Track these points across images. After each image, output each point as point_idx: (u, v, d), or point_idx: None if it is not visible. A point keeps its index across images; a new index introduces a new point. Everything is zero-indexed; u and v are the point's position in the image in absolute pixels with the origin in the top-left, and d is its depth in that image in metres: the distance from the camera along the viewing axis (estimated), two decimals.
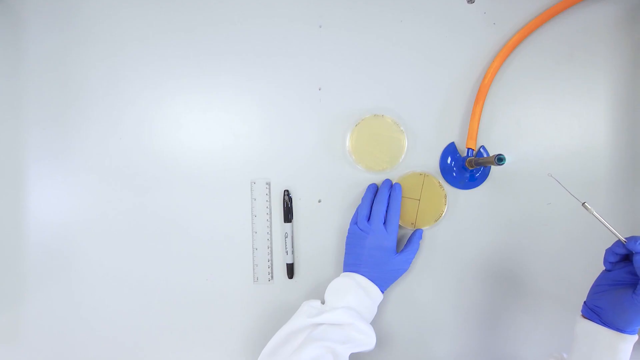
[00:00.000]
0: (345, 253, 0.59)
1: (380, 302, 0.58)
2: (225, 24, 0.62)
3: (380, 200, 0.58)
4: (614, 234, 0.48)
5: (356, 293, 0.55)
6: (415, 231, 0.60)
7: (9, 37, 0.62)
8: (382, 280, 0.57)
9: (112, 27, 0.62)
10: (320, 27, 0.62)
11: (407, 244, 0.59)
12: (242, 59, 0.62)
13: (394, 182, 0.60)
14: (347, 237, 0.59)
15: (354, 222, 0.59)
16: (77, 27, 0.62)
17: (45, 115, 0.62)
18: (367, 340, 0.53)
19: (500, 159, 0.51)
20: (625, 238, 0.48)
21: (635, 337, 0.47)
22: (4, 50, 0.62)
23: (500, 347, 0.64)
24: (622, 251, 0.48)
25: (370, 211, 0.58)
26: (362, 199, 0.60)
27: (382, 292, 0.57)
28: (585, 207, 0.49)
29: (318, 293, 0.62)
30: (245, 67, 0.62)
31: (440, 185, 0.61)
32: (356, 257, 0.57)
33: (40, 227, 0.62)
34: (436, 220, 0.62)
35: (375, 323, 0.61)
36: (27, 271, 0.62)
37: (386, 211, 0.58)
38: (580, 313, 0.52)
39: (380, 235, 0.56)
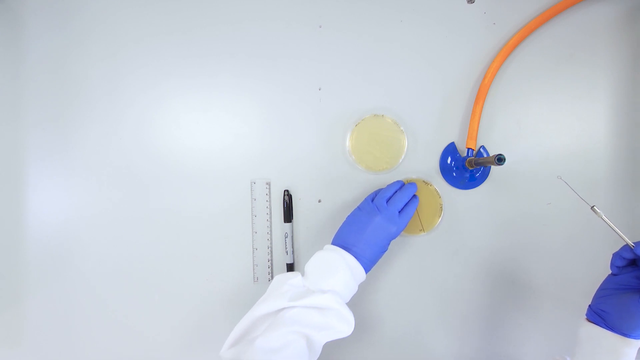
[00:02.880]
0: (344, 224, 0.56)
1: (380, 303, 0.57)
2: (226, 24, 0.62)
3: (406, 193, 0.56)
4: (622, 238, 0.48)
5: (344, 275, 0.51)
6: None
7: (9, 37, 0.62)
8: (371, 261, 0.54)
9: (112, 27, 0.62)
10: (320, 27, 0.62)
11: None
12: (242, 59, 0.62)
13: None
14: (354, 211, 0.56)
15: (370, 199, 0.57)
16: (77, 27, 0.62)
17: (45, 115, 0.62)
18: (346, 328, 0.50)
19: (500, 159, 0.51)
20: (634, 243, 0.48)
21: (639, 342, 0.47)
22: (4, 50, 0.62)
23: (501, 349, 0.64)
24: (630, 256, 0.48)
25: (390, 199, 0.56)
26: (387, 185, 0.58)
27: (366, 273, 0.54)
28: (594, 211, 0.49)
29: None
30: (245, 67, 0.62)
31: (438, 194, 0.62)
32: (356, 232, 0.54)
33: (40, 227, 0.62)
34: (430, 229, 0.62)
35: (374, 324, 0.61)
36: (28, 271, 0.62)
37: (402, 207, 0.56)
38: (585, 317, 0.51)
39: (392, 219, 0.54)
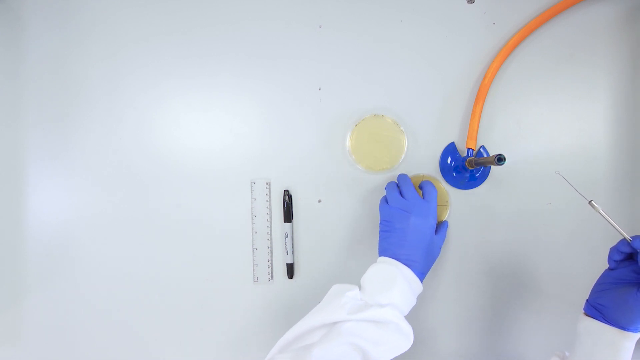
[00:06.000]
0: (381, 239, 0.54)
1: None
2: (226, 24, 0.62)
3: (406, 182, 0.56)
4: (620, 232, 0.48)
5: (402, 287, 0.50)
6: (444, 222, 0.60)
7: (9, 37, 0.62)
8: (423, 264, 0.52)
9: (112, 27, 0.62)
10: (320, 27, 0.62)
11: (438, 232, 0.57)
12: (242, 59, 0.62)
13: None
14: (381, 225, 0.55)
15: (384, 203, 0.56)
16: (77, 27, 0.62)
17: (45, 115, 0.62)
18: (404, 343, 0.49)
19: (500, 159, 0.51)
20: (631, 237, 0.48)
21: (637, 335, 0.47)
22: (4, 50, 0.62)
23: (502, 346, 0.64)
24: (627, 250, 0.49)
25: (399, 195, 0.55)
26: (386, 187, 0.58)
27: (421, 281, 0.53)
28: (592, 206, 0.49)
29: (318, 293, 0.62)
30: (245, 67, 0.62)
31: (444, 190, 0.62)
32: (398, 238, 0.52)
33: (40, 227, 0.62)
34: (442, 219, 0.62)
35: None
36: (28, 271, 0.62)
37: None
38: (583, 311, 0.52)
39: (423, 209, 0.53)
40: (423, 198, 0.55)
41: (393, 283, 0.50)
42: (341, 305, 0.49)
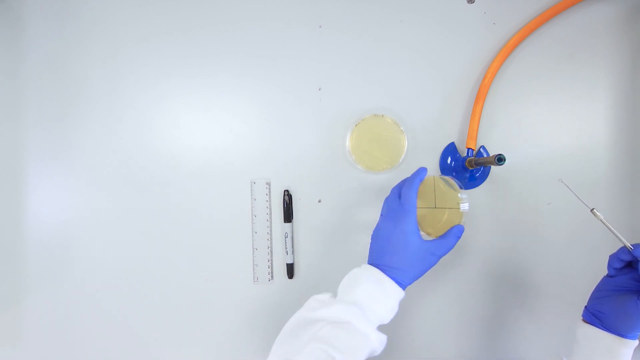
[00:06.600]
0: (371, 241, 0.53)
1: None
2: (226, 24, 0.62)
3: (407, 183, 0.51)
4: (621, 240, 0.48)
5: (366, 287, 0.48)
6: (454, 227, 0.52)
7: (9, 37, 0.62)
8: (404, 272, 0.49)
9: (112, 27, 0.62)
10: (320, 27, 0.62)
11: (440, 237, 0.51)
12: (242, 59, 0.62)
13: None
14: (374, 230, 0.53)
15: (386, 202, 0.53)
16: (77, 27, 0.62)
17: (45, 115, 0.62)
18: (363, 344, 0.45)
19: (500, 159, 0.51)
20: (632, 245, 0.48)
21: (636, 342, 0.47)
22: (4, 50, 0.62)
23: (501, 350, 0.64)
24: (628, 258, 0.48)
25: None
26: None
27: (404, 287, 0.49)
28: (594, 214, 0.49)
29: (317, 293, 0.62)
30: (245, 67, 0.62)
31: (454, 188, 0.54)
32: (380, 245, 0.50)
33: (40, 227, 0.62)
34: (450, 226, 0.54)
35: None
36: (28, 271, 0.62)
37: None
38: (581, 317, 0.51)
39: (396, 212, 0.50)
40: (399, 199, 0.51)
41: (357, 283, 0.48)
42: (305, 306, 0.49)
